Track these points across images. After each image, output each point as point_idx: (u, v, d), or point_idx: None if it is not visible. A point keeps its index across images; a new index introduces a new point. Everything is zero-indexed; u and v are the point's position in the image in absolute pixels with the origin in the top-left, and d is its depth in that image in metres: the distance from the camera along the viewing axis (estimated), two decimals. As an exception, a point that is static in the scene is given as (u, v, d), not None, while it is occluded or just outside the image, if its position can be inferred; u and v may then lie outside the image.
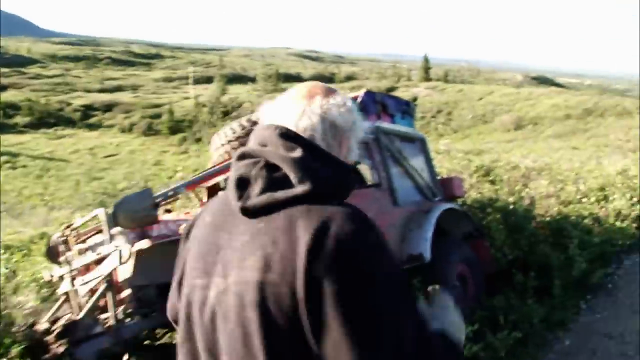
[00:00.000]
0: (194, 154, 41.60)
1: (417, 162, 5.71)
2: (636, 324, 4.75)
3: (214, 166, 4.30)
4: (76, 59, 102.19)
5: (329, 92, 1.33)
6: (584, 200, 6.95)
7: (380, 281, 1.12)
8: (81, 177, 42.21)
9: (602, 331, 4.62)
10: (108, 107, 61.44)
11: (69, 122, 58.43)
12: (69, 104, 62.85)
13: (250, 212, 1.21)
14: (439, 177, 6.02)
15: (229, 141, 4.89)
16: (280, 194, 1.19)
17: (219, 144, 4.98)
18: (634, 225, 6.84)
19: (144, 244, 3.66)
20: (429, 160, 5.87)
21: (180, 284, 1.37)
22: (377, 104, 5.37)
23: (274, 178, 1.21)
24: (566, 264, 5.34)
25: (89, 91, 72.07)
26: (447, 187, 5.85)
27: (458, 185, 5.96)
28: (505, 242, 5.73)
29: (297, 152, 1.21)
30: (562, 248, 5.66)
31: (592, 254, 5.64)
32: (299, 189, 1.19)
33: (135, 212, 3.61)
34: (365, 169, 5.27)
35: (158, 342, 4.57)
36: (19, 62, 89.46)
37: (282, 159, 1.21)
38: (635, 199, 7.29)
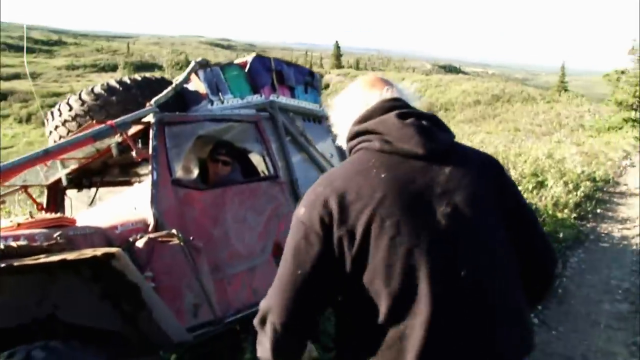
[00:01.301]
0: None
1: (325, 147, 4.54)
2: (600, 339, 3.80)
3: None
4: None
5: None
6: (520, 188, 6.05)
7: None
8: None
9: (562, 353, 3.65)
10: (3, 96, 56.77)
11: (-42, 112, 53.45)
12: (-41, 92, 57.54)
13: (438, 154, 1.44)
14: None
15: (65, 121, 3.49)
16: (451, 138, 1.51)
17: (53, 126, 3.57)
18: (573, 215, 6.00)
19: None
20: (339, 145, 4.69)
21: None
22: (270, 72, 4.13)
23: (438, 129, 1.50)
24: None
25: (-19, 79, 66.57)
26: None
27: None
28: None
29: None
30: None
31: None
32: (452, 135, 1.52)
33: None
34: (255, 157, 4.02)
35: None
36: None
37: (430, 116, 1.51)
38: (570, 186, 6.47)
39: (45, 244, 2.44)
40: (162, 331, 2.61)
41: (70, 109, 3.44)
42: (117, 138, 3.19)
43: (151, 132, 3.08)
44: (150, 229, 2.88)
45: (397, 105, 1.52)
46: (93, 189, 4.12)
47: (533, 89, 49.34)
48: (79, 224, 2.96)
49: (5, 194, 3.92)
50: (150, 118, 3.14)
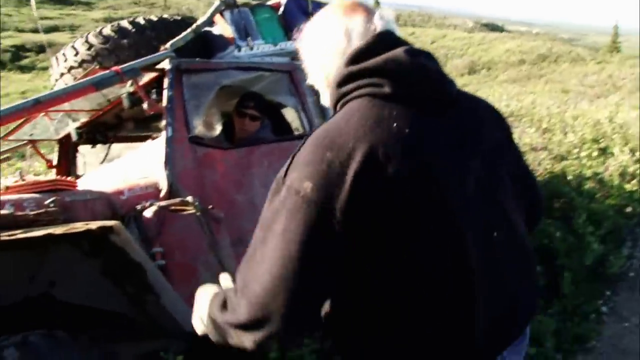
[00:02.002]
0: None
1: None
2: (681, 335, 3.28)
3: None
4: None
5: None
6: (582, 155, 5.43)
7: None
8: (12, 123, 39.04)
9: (635, 349, 3.15)
10: (42, 48, 57.13)
11: (-1, 64, 54.13)
12: (-2, 44, 58.18)
13: (454, 101, 1.25)
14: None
15: (71, 67, 3.06)
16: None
17: (59, 73, 3.15)
18: (643, 187, 5.36)
19: None
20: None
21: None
22: (307, 15, 3.59)
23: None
24: (574, 246, 3.81)
25: (21, 31, 67.06)
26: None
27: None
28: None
29: None
30: (563, 221, 4.12)
31: (604, 229, 4.13)
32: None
33: None
34: (289, 112, 3.53)
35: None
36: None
37: (431, 54, 1.27)
38: (638, 154, 5.80)
39: (33, 214, 2.02)
40: (172, 318, 2.21)
41: (76, 53, 3.00)
42: (129, 87, 2.75)
43: (166, 81, 2.62)
44: (162, 195, 2.45)
45: (398, 40, 1.26)
46: (107, 144, 3.72)
47: (582, 49, 47.09)
48: (82, 186, 2.55)
49: (11, 149, 3.55)
50: (165, 64, 2.68)
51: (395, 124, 1.14)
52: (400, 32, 1.32)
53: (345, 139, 1.12)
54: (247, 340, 1.17)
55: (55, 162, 3.64)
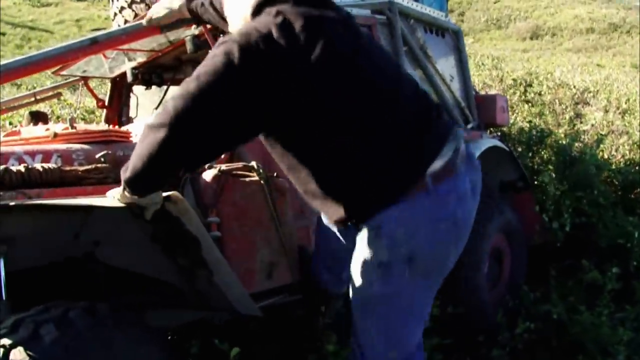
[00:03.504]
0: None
1: (446, 67, 3.65)
2: None
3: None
4: None
5: None
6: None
7: None
8: (64, 51, 39.56)
9: None
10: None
11: (56, -10, 54.50)
12: (56, -30, 58.50)
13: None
14: (474, 94, 3.95)
15: (132, 2, 2.79)
16: None
17: (118, 6, 2.88)
18: None
19: None
20: (462, 67, 3.79)
21: None
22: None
23: None
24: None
25: (78, -42, 67.29)
26: (485, 110, 3.82)
27: (502, 109, 3.90)
28: (564, 201, 3.77)
29: None
30: None
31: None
32: None
33: None
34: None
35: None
36: None
37: None
38: None
39: (81, 170, 1.79)
40: (224, 297, 1.97)
41: (139, -16, 2.71)
42: (194, 30, 2.46)
43: None
44: (222, 155, 2.19)
45: None
46: (163, 88, 3.46)
47: (659, 21, 44.26)
48: (135, 137, 2.30)
49: (62, 84, 3.33)
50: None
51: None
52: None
53: None
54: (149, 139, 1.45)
55: (107, 102, 3.41)
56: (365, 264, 1.61)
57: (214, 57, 1.46)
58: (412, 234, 1.54)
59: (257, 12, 1.57)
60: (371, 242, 1.58)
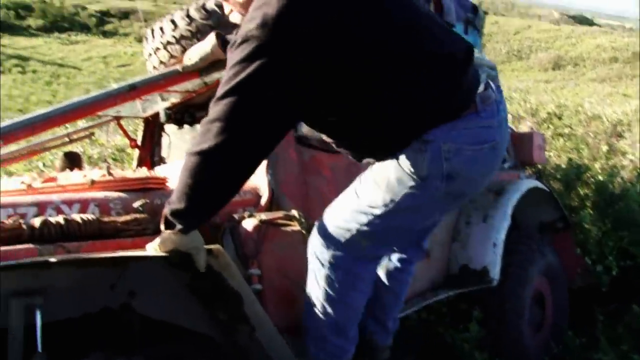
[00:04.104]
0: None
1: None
2: None
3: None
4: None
5: None
6: None
7: None
8: (91, 87, 40.55)
9: None
10: (125, 15, 58.73)
11: (84, 28, 55.83)
12: (84, 9, 60.09)
13: None
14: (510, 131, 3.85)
15: (168, 43, 2.76)
16: None
17: (153, 47, 2.86)
18: None
19: None
20: (498, 103, 3.69)
21: None
22: (428, 1, 3.17)
23: None
24: None
25: (107, -4, 69.37)
26: (522, 148, 3.73)
27: (539, 147, 3.79)
28: (606, 241, 3.63)
29: None
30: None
31: None
32: None
33: None
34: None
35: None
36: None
37: None
38: None
39: (121, 221, 1.73)
40: (265, 353, 1.88)
41: (175, 27, 2.69)
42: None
43: None
44: (263, 202, 2.12)
45: None
46: (197, 127, 3.43)
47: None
48: (171, 183, 2.25)
49: (95, 124, 3.32)
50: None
51: None
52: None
53: None
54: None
55: (140, 142, 3.38)
56: (400, 176, 1.65)
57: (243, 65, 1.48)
58: (457, 151, 1.60)
59: None
60: (412, 156, 1.62)
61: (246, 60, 1.47)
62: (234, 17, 1.83)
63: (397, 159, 1.66)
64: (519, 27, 54.37)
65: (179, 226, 1.52)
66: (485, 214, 2.95)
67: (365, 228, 1.72)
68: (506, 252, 2.98)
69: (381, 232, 1.74)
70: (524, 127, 5.78)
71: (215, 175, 1.49)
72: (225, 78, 1.51)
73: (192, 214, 1.52)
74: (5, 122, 1.79)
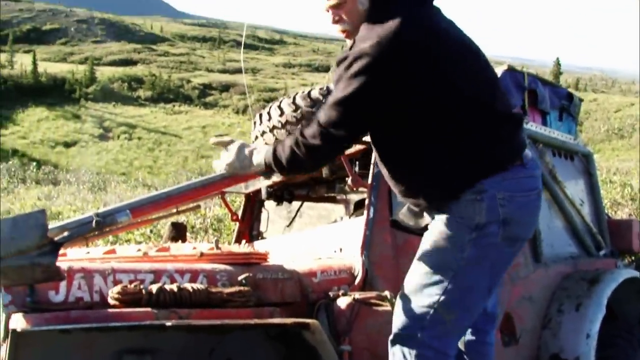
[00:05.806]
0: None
1: (576, 191, 3.53)
2: None
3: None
4: (203, 39, 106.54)
5: None
6: None
7: None
8: (190, 154, 43.00)
9: None
10: (225, 88, 62.39)
11: (187, 99, 60.01)
12: (189, 82, 64.63)
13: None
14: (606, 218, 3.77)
15: (274, 127, 3.00)
16: None
17: (260, 131, 3.11)
18: None
19: (22, 323, 1.77)
20: (593, 191, 3.66)
21: None
22: (522, 90, 3.27)
23: None
24: None
25: (210, 71, 74.15)
26: (620, 236, 3.62)
27: (638, 235, 3.66)
28: None
29: None
30: None
31: None
32: None
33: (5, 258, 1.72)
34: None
35: None
36: (151, 39, 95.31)
37: None
38: None
39: (226, 292, 1.89)
40: None
41: (282, 113, 2.92)
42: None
43: (374, 155, 2.43)
44: (357, 281, 2.23)
45: None
46: (294, 204, 3.62)
47: None
48: (271, 258, 2.41)
49: (202, 198, 3.59)
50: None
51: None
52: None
53: None
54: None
55: (240, 216, 3.62)
56: (459, 228, 1.80)
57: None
58: (510, 198, 1.80)
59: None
60: (469, 206, 1.79)
61: (360, 74, 1.73)
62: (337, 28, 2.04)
63: (452, 212, 1.82)
64: (620, 104, 52.38)
65: (261, 169, 1.98)
66: (578, 303, 2.88)
67: (442, 298, 1.81)
68: (602, 345, 2.87)
69: (457, 296, 1.81)
70: (622, 214, 5.57)
71: (313, 163, 1.95)
72: (340, 87, 1.79)
73: (279, 172, 1.98)
74: (134, 199, 2.04)
